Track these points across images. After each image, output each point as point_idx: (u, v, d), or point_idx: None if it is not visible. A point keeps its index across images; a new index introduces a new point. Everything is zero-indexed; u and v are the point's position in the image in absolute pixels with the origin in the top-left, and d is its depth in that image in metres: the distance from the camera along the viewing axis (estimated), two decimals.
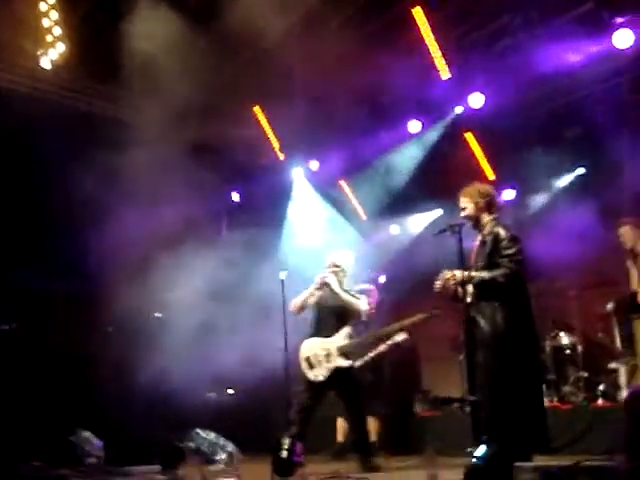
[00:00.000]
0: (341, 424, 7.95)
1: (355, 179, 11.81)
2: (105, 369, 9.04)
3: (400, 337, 7.18)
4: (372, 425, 7.73)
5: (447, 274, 5.46)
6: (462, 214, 5.66)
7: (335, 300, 6.84)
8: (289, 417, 6.52)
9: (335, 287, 6.84)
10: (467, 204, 5.65)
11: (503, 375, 5.16)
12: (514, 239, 5.43)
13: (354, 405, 6.72)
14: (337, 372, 6.61)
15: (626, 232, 7.62)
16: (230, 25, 8.93)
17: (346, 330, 6.75)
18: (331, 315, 6.84)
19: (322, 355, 6.66)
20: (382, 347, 7.64)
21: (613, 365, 7.48)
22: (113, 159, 9.22)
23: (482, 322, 5.28)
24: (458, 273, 5.38)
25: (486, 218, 5.61)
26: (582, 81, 9.04)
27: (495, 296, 5.31)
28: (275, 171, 10.99)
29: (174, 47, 9.02)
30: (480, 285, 5.30)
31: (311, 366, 6.68)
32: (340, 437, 7.99)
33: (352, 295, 6.90)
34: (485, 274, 5.32)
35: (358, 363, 6.85)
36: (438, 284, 5.52)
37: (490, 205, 5.63)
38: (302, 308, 6.91)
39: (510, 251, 5.35)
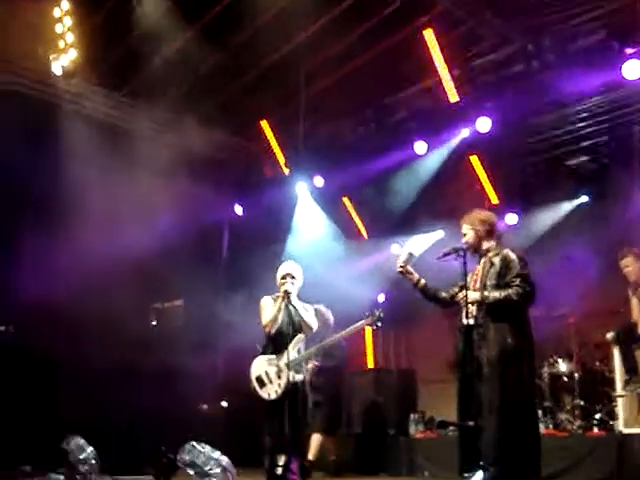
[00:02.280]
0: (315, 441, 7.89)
1: (358, 197, 11.85)
2: (99, 376, 8.99)
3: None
4: (329, 444, 7.65)
5: (459, 294, 5.48)
6: (463, 240, 5.69)
7: (289, 314, 6.64)
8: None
9: (295, 300, 6.66)
10: (468, 231, 5.69)
11: (507, 398, 5.14)
12: (523, 260, 5.48)
13: (301, 421, 6.44)
14: (288, 388, 6.36)
15: (631, 263, 7.63)
16: (241, 40, 9.03)
17: (296, 343, 6.53)
18: (284, 329, 6.59)
19: (273, 372, 6.45)
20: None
21: (618, 393, 7.43)
22: (115, 166, 9.29)
23: (491, 342, 5.26)
24: (472, 293, 5.38)
25: (489, 243, 5.64)
26: (590, 110, 9.10)
27: (505, 317, 5.32)
28: (280, 185, 10.99)
29: (184, 59, 9.10)
30: (493, 305, 5.31)
31: (262, 384, 6.47)
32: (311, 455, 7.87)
33: (306, 309, 6.72)
34: (499, 293, 5.33)
35: (299, 377, 6.49)
36: (400, 263, 5.68)
37: (491, 232, 5.67)
38: (275, 322, 6.60)
39: (523, 271, 5.39)
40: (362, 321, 6.59)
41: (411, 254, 5.77)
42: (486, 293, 5.36)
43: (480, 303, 5.35)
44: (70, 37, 8.49)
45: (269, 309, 6.68)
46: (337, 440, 8.46)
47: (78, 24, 8.44)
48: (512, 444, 5.07)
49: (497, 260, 5.49)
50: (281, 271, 6.78)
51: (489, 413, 5.11)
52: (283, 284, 6.66)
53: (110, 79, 9.71)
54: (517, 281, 5.33)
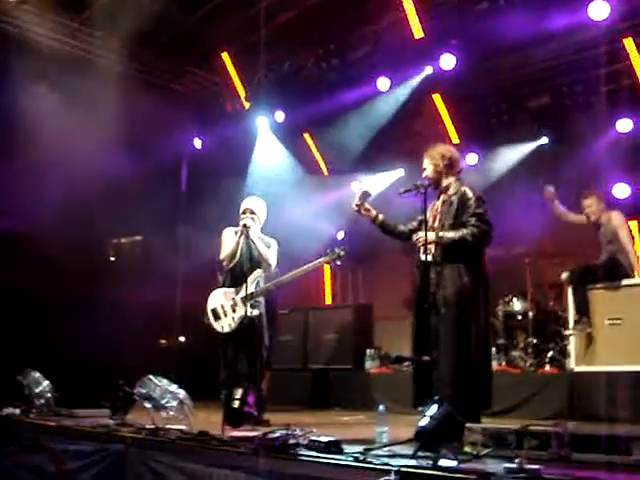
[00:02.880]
0: None
1: (320, 133, 11.74)
2: (54, 307, 8.90)
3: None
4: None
5: (419, 233, 5.44)
6: (423, 174, 5.64)
7: (249, 248, 6.67)
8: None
9: (254, 235, 6.67)
10: (428, 165, 5.63)
11: (463, 336, 5.20)
12: (481, 199, 5.43)
13: (257, 355, 6.49)
14: (243, 322, 6.40)
15: (593, 203, 7.73)
16: None
17: (254, 278, 6.54)
18: (243, 264, 6.62)
19: (228, 305, 6.50)
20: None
21: (567, 332, 7.60)
22: (63, 90, 9.05)
23: (447, 281, 5.28)
24: (428, 234, 5.32)
25: (448, 180, 5.59)
26: (554, 51, 9.06)
27: (461, 257, 5.31)
28: (240, 119, 10.83)
29: None
30: (448, 245, 5.30)
31: (217, 317, 6.53)
32: None
33: (266, 245, 6.73)
34: (454, 234, 5.31)
35: (255, 312, 6.48)
36: (355, 202, 5.68)
37: (451, 167, 5.59)
38: (233, 257, 6.66)
39: (478, 210, 5.35)
40: (322, 258, 6.58)
41: (366, 192, 5.74)
42: (441, 233, 5.33)
43: (437, 242, 5.35)
44: None
45: (228, 243, 6.70)
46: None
47: None
48: (466, 380, 5.14)
49: (455, 199, 5.46)
50: (242, 206, 6.81)
51: (444, 350, 5.16)
52: (243, 219, 6.68)
53: (65, 7, 9.38)
54: (472, 220, 5.31)
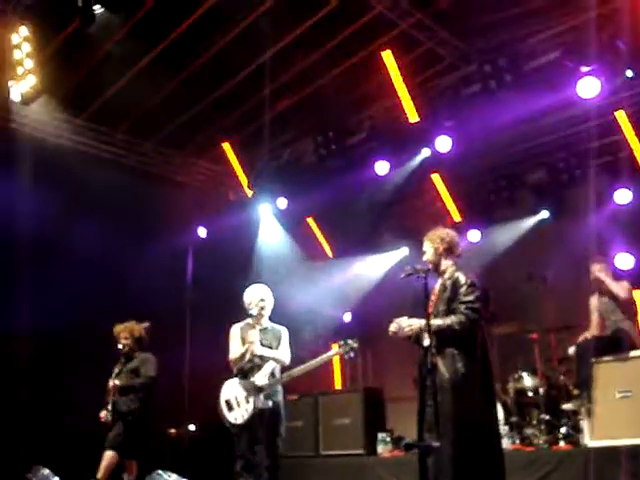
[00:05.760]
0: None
1: (323, 217, 11.89)
2: (63, 398, 8.88)
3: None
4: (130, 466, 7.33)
5: (403, 323, 5.46)
6: (423, 257, 5.70)
7: (261, 338, 6.60)
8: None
9: (267, 323, 6.66)
10: (428, 248, 5.68)
11: (459, 421, 5.15)
12: (473, 285, 5.42)
13: (272, 447, 6.35)
14: (256, 414, 6.30)
15: (602, 269, 7.75)
16: (200, 63, 9.04)
17: (268, 369, 6.49)
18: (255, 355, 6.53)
19: (242, 396, 6.40)
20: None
21: (567, 406, 7.56)
22: (73, 192, 9.23)
23: (442, 368, 5.26)
24: (415, 322, 5.37)
25: (446, 263, 5.63)
26: (547, 127, 9.25)
27: (453, 343, 5.30)
28: (243, 208, 10.98)
29: (144, 82, 9.08)
30: (438, 333, 5.27)
31: (230, 408, 6.42)
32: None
33: (277, 334, 6.69)
34: (441, 322, 5.30)
35: (269, 402, 6.36)
36: (392, 330, 5.54)
37: (450, 250, 5.64)
38: (242, 359, 6.55)
39: (468, 298, 5.34)
40: (334, 350, 6.57)
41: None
42: (432, 321, 5.29)
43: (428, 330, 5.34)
44: (29, 63, 8.40)
45: (236, 343, 6.65)
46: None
47: (37, 50, 8.37)
48: (467, 465, 5.07)
49: (449, 284, 5.48)
50: (251, 295, 6.77)
51: (442, 436, 5.07)
52: (251, 308, 6.66)
53: (69, 105, 9.65)
54: (462, 308, 5.31)
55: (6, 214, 8.53)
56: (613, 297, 7.64)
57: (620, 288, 7.66)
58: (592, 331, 7.86)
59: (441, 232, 5.74)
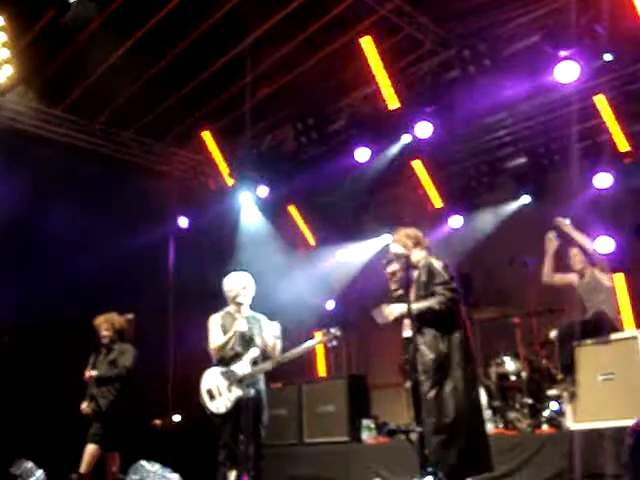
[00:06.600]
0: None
1: (305, 205, 11.87)
2: (46, 389, 8.85)
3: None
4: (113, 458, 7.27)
5: (385, 310, 5.55)
6: (397, 255, 5.75)
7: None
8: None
9: (247, 311, 6.60)
10: (397, 248, 5.78)
11: (440, 401, 5.22)
12: (446, 267, 5.58)
13: (254, 437, 6.23)
14: (238, 403, 6.24)
15: (578, 253, 7.81)
16: (178, 51, 8.97)
17: (250, 357, 6.46)
18: (236, 343, 6.49)
19: (224, 385, 6.36)
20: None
21: (552, 392, 7.61)
22: (53, 182, 9.17)
23: (425, 350, 5.37)
24: (395, 307, 5.48)
25: (418, 254, 5.74)
26: (527, 112, 9.27)
27: (434, 325, 5.41)
28: (224, 197, 10.93)
29: (123, 71, 9.01)
30: (419, 316, 5.37)
31: (212, 397, 6.37)
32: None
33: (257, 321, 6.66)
34: (421, 305, 5.41)
35: (252, 391, 6.27)
36: (374, 316, 5.66)
37: (418, 243, 5.79)
38: (223, 348, 6.50)
39: (443, 278, 5.48)
40: (317, 339, 6.55)
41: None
42: (412, 305, 5.39)
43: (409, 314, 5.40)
44: (5, 53, 8.31)
45: (217, 331, 6.59)
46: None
47: (13, 40, 8.27)
48: (450, 445, 5.13)
49: (424, 271, 5.60)
50: (232, 283, 6.73)
51: (426, 417, 5.17)
52: (235, 296, 6.62)
53: (47, 95, 9.56)
54: (439, 289, 5.44)
55: None
56: (596, 277, 7.68)
57: (587, 241, 7.85)
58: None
59: (404, 230, 5.88)
